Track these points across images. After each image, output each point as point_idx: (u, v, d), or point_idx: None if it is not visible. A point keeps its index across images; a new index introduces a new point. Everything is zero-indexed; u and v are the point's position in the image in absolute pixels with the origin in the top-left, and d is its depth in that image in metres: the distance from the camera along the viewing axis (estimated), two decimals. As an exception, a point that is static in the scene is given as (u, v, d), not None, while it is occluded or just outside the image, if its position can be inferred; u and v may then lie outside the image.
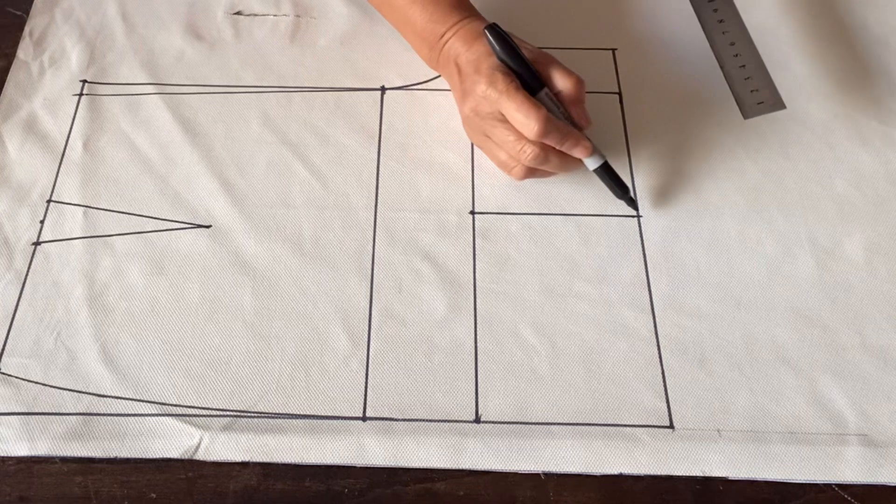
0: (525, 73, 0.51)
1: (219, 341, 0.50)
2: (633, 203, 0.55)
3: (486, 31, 0.52)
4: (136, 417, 0.47)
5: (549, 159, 0.52)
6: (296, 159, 0.58)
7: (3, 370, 0.49)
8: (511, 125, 0.51)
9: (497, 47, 0.51)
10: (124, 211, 0.55)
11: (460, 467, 0.46)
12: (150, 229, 0.55)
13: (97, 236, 0.54)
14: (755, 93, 0.55)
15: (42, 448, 0.46)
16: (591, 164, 0.53)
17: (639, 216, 0.55)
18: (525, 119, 0.49)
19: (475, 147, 0.58)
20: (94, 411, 0.47)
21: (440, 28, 0.56)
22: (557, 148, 0.51)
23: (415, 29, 0.57)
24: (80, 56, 0.63)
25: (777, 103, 0.54)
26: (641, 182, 0.57)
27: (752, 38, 0.58)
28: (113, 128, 0.59)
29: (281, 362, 0.49)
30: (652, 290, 0.52)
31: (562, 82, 0.52)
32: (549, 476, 0.46)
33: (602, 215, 0.55)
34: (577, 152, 0.52)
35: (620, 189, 0.54)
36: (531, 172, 0.53)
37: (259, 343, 0.50)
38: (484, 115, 0.52)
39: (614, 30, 0.65)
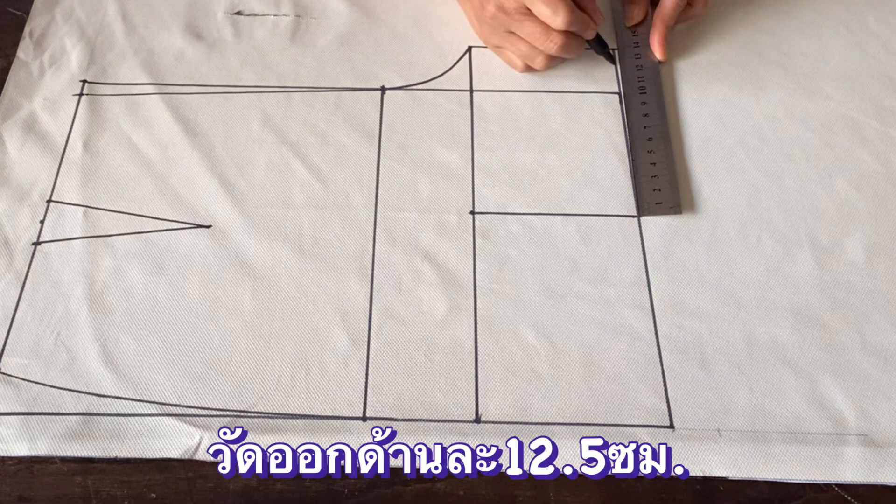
0: None
1: (219, 341, 0.50)
2: (610, 57, 0.62)
3: None
4: (136, 417, 0.47)
5: (571, 45, 0.57)
6: (296, 159, 0.58)
7: (3, 370, 0.49)
8: (536, 18, 0.56)
9: None
10: (124, 211, 0.55)
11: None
12: (150, 229, 0.55)
13: (97, 236, 0.54)
14: (656, 192, 0.56)
15: (42, 448, 0.46)
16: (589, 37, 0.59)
17: (639, 216, 0.55)
18: (552, 11, 0.54)
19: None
20: (94, 411, 0.47)
21: None
22: (578, 34, 0.57)
23: None
24: (80, 56, 0.63)
25: (675, 207, 0.55)
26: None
27: (670, 134, 0.59)
28: (113, 128, 0.59)
29: (281, 362, 0.49)
30: (652, 290, 0.52)
31: None
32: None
33: (602, 215, 0.55)
34: (587, 34, 0.58)
35: (605, 49, 0.61)
36: (552, 60, 0.59)
37: (259, 343, 0.50)
38: (510, 10, 0.56)
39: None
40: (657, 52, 0.62)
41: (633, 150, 0.58)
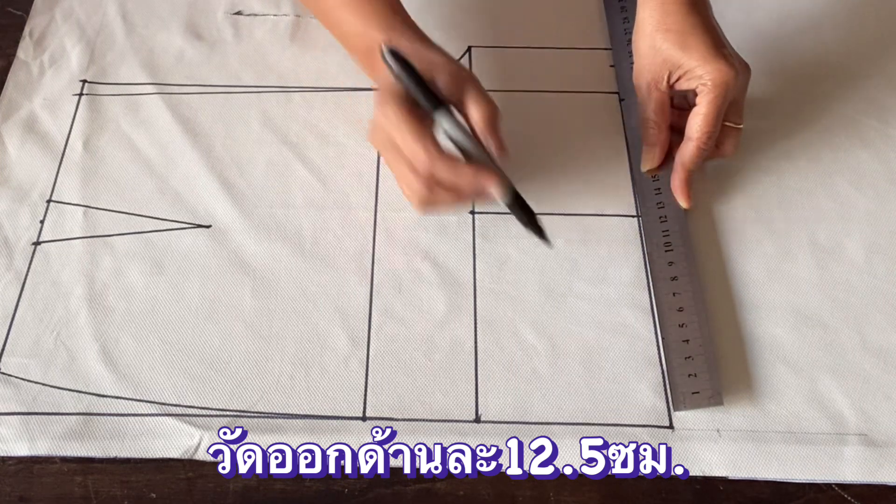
0: (420, 93, 0.47)
1: (219, 341, 0.50)
2: (543, 237, 0.50)
3: (382, 49, 0.48)
4: (136, 417, 0.47)
5: (438, 195, 0.47)
6: (296, 159, 0.58)
7: (3, 370, 0.49)
8: (404, 155, 0.47)
9: (391, 66, 0.48)
10: (124, 211, 0.55)
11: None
12: (150, 229, 0.55)
13: (97, 236, 0.54)
14: (692, 378, 0.48)
15: (42, 448, 0.46)
16: (502, 197, 0.48)
17: (639, 216, 0.55)
18: (412, 148, 0.46)
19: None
20: (94, 411, 0.47)
21: (374, 35, 0.51)
22: (450, 181, 0.47)
23: (347, 41, 0.55)
24: (80, 56, 0.63)
25: (715, 396, 0.47)
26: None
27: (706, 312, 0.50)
28: (113, 128, 0.59)
29: (281, 362, 0.49)
30: (652, 290, 0.52)
31: (473, 108, 0.48)
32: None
33: (602, 215, 0.55)
34: (485, 190, 0.47)
35: (531, 223, 0.50)
36: (430, 205, 0.48)
37: (259, 343, 0.50)
38: (384, 145, 0.49)
39: (614, 30, 0.65)
40: (679, 199, 0.54)
41: (661, 325, 0.50)
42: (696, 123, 0.52)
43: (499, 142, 0.49)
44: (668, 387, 0.48)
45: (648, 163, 0.56)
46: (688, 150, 0.53)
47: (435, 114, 0.48)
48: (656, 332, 0.51)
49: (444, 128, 0.48)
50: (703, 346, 0.49)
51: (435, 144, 0.46)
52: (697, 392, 0.47)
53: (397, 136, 0.47)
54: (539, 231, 0.50)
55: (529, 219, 0.50)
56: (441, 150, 0.46)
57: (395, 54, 0.48)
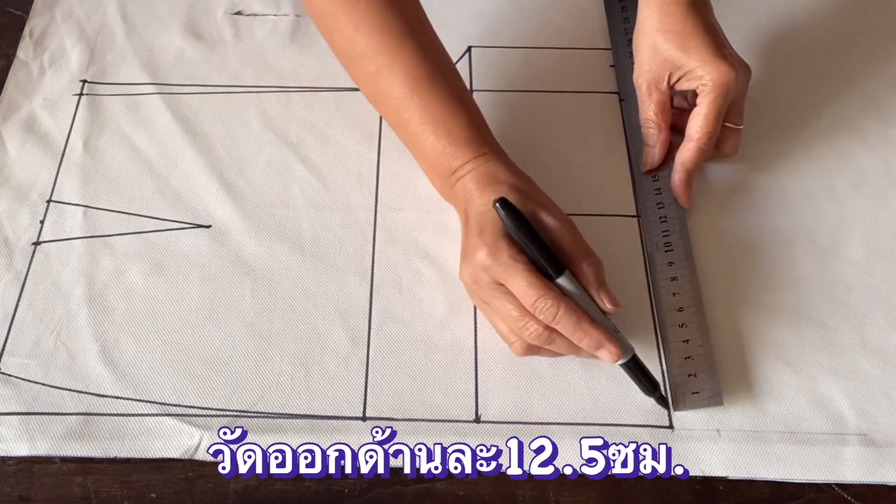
0: (541, 257, 0.44)
1: (219, 341, 0.50)
2: (664, 402, 0.47)
3: (497, 206, 0.45)
4: (136, 417, 0.47)
5: (556, 341, 0.45)
6: (296, 159, 0.58)
7: (3, 370, 0.49)
8: (514, 296, 0.44)
9: (510, 224, 0.44)
10: (124, 211, 0.55)
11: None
12: (150, 229, 0.55)
13: (97, 236, 0.54)
14: (692, 378, 0.48)
15: (42, 448, 0.46)
16: (621, 361, 0.46)
17: (638, 216, 0.55)
18: (532, 294, 0.43)
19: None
20: (94, 411, 0.47)
21: (453, 163, 0.49)
22: (567, 336, 0.44)
23: (426, 159, 0.51)
24: (80, 56, 0.63)
25: (714, 397, 0.47)
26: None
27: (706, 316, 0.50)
28: (113, 128, 0.59)
29: (281, 362, 0.49)
30: (652, 290, 0.52)
31: (585, 264, 0.46)
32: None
33: (602, 215, 0.55)
34: (602, 354, 0.45)
35: (650, 385, 0.47)
36: (534, 350, 0.46)
37: (259, 343, 0.50)
38: (483, 283, 0.46)
39: (614, 30, 0.65)
40: (679, 199, 0.54)
41: (661, 325, 0.50)
42: (697, 124, 0.52)
43: (612, 298, 0.46)
44: (668, 386, 0.48)
45: (648, 163, 0.56)
46: (688, 151, 0.53)
47: (557, 279, 0.45)
48: (656, 332, 0.51)
49: (563, 286, 0.45)
50: (703, 347, 0.49)
51: (562, 296, 0.44)
52: (697, 392, 0.47)
53: (514, 277, 0.44)
54: (662, 400, 0.47)
55: (650, 385, 0.47)
56: (568, 300, 0.44)
57: (509, 207, 0.44)
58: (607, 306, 0.46)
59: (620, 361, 0.45)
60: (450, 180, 0.50)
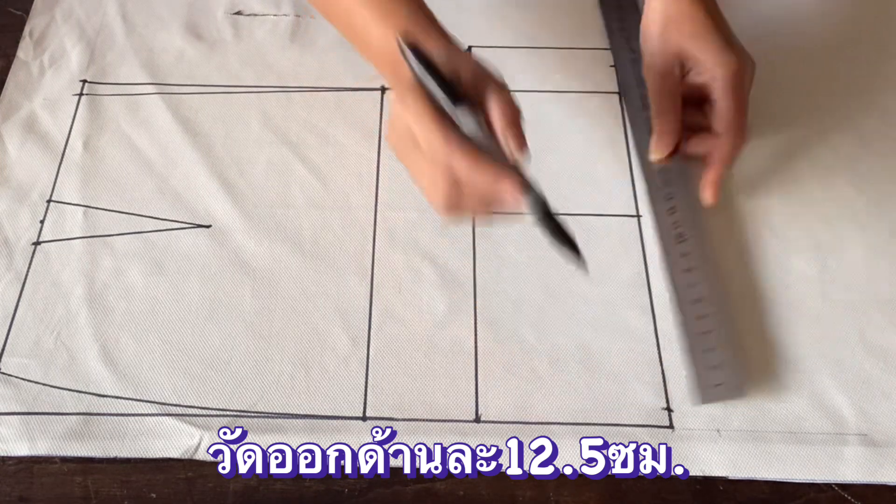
0: (440, 89, 0.42)
1: (219, 341, 0.50)
2: (576, 253, 0.43)
3: (399, 43, 0.43)
4: (136, 417, 0.47)
5: (462, 196, 0.42)
6: (296, 159, 0.58)
7: (3, 370, 0.49)
8: (424, 150, 0.43)
9: (409, 60, 0.43)
10: (124, 211, 0.55)
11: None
12: (150, 229, 0.55)
13: (97, 236, 0.54)
14: (715, 370, 0.47)
15: (42, 448, 0.46)
16: (527, 207, 0.42)
17: (638, 216, 0.55)
18: (429, 137, 0.41)
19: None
20: (94, 411, 0.47)
21: (393, 33, 0.46)
22: (469, 179, 0.42)
23: (359, 35, 0.49)
24: (80, 56, 0.63)
25: (737, 389, 0.47)
26: (641, 182, 0.57)
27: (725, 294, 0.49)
28: (113, 128, 0.59)
29: (281, 362, 0.49)
30: (652, 290, 0.52)
31: (494, 106, 0.43)
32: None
33: (602, 215, 0.55)
34: (501, 191, 0.41)
35: (566, 245, 0.42)
36: (456, 210, 0.44)
37: (259, 343, 0.50)
38: (396, 137, 0.44)
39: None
40: (707, 195, 0.52)
41: (681, 318, 0.50)
42: (726, 118, 0.52)
43: (519, 139, 0.42)
44: (667, 386, 0.48)
45: (660, 151, 0.54)
46: (724, 147, 0.52)
47: (455, 110, 0.42)
48: (656, 332, 0.51)
49: (464, 125, 0.43)
50: (724, 338, 0.48)
51: (456, 134, 0.41)
52: (720, 384, 0.47)
53: (416, 128, 0.42)
54: (572, 247, 0.43)
55: (558, 233, 0.42)
56: (462, 141, 0.41)
57: (415, 49, 0.43)
58: (512, 148, 0.42)
59: (527, 205, 0.41)
60: (388, 58, 0.46)
